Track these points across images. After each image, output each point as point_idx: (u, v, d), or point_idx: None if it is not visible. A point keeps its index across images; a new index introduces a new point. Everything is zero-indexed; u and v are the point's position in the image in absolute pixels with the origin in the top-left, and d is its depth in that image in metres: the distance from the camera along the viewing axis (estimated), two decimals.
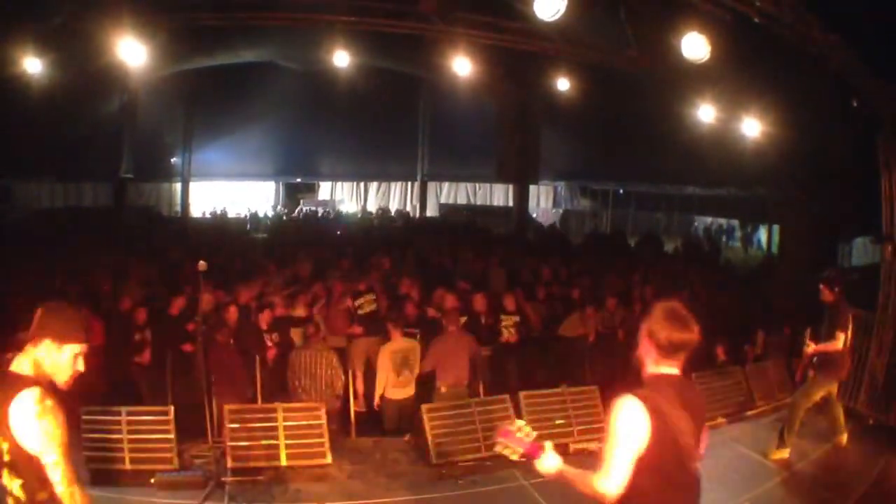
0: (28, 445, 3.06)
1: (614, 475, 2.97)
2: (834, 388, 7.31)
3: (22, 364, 3.18)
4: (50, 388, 3.15)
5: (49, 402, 3.07)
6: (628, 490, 2.98)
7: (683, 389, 3.17)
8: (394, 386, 8.06)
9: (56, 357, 3.22)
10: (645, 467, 2.97)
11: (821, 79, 8.64)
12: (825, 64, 8.14)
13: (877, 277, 8.81)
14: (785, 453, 7.14)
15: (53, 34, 10.48)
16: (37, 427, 3.04)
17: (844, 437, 7.34)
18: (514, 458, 3.26)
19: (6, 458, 3.10)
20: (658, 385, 3.09)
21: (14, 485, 3.13)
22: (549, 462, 3.19)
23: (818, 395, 7.23)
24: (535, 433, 3.26)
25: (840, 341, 6.98)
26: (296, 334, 8.77)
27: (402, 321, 8.44)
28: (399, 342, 8.13)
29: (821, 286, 7.16)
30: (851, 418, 7.96)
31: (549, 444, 3.23)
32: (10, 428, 3.05)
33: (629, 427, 2.97)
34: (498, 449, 3.29)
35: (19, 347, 3.24)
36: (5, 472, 3.13)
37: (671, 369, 3.14)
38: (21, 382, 3.10)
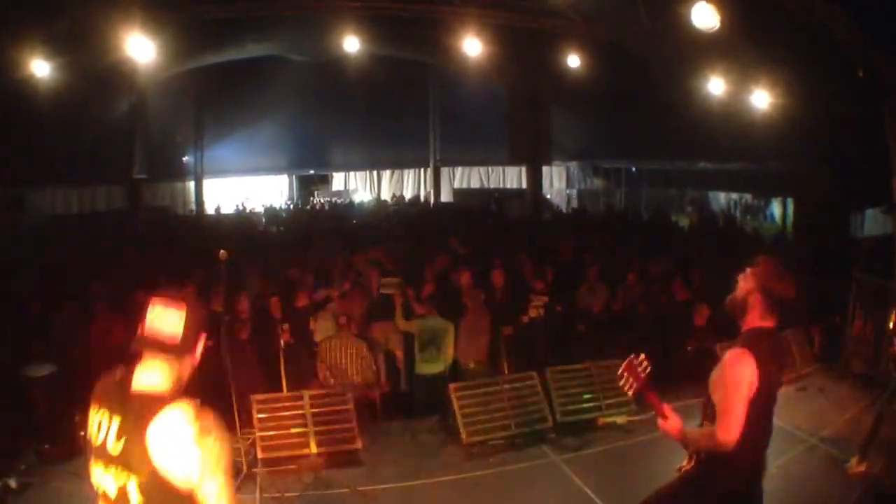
0: (176, 475, 2.43)
1: (736, 423, 3.14)
2: None
3: (148, 378, 2.52)
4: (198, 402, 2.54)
5: (208, 420, 2.52)
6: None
7: (776, 342, 3.42)
8: (420, 361, 8.16)
9: (193, 359, 2.63)
10: (748, 415, 3.17)
11: (828, 49, 8.51)
12: (830, 34, 8.04)
13: (890, 247, 8.71)
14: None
15: (60, 37, 10.42)
16: (194, 452, 2.44)
17: None
18: (629, 392, 3.44)
19: (136, 497, 2.45)
20: (760, 338, 3.29)
21: None
22: (671, 423, 3.39)
23: None
24: (648, 369, 3.42)
25: None
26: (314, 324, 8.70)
27: (434, 301, 8.56)
28: (430, 320, 8.22)
29: None
30: (872, 387, 7.90)
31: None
32: (150, 456, 2.41)
33: (744, 378, 3.16)
34: (620, 383, 3.45)
35: (130, 361, 2.57)
36: None
37: (770, 323, 3.33)
38: (159, 401, 2.46)
